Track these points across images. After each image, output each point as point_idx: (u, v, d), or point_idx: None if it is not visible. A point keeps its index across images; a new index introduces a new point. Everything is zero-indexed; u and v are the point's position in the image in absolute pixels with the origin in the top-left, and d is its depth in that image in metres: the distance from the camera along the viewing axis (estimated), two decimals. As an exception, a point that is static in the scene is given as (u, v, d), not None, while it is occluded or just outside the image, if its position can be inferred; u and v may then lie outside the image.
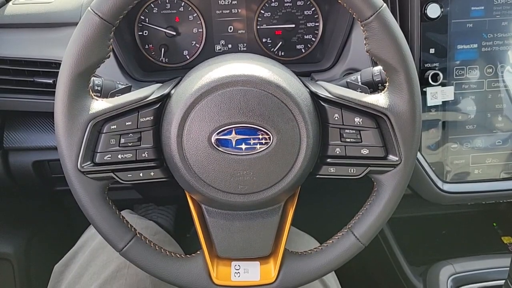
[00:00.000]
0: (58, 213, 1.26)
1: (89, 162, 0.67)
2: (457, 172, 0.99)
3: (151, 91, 0.71)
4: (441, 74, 0.92)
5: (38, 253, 1.22)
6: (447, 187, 0.98)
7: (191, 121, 0.65)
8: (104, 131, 0.67)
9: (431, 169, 0.97)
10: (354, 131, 0.69)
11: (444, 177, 0.98)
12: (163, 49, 1.03)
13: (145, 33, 1.03)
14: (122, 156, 0.67)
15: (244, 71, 0.66)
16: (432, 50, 0.94)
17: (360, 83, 0.81)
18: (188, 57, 1.05)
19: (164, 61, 1.04)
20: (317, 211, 1.31)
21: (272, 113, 0.65)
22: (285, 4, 1.03)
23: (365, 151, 0.69)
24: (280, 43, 1.04)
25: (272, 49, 1.06)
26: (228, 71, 0.66)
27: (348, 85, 0.80)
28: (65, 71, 0.65)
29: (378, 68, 0.82)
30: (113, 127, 0.67)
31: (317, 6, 1.04)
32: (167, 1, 1.01)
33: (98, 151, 0.67)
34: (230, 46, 1.06)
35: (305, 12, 1.04)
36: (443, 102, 0.95)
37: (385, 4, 0.65)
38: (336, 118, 0.69)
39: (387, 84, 0.69)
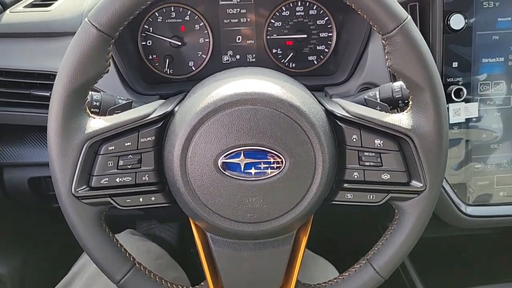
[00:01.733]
0: (55, 231, 1.20)
1: (84, 186, 0.62)
2: (480, 194, 0.93)
3: (153, 108, 0.66)
4: (464, 90, 0.86)
5: (33, 274, 1.16)
6: (470, 210, 0.91)
7: (196, 142, 0.59)
8: (101, 153, 0.62)
9: (453, 191, 0.91)
10: (374, 154, 0.63)
11: (466, 199, 0.92)
12: (167, 60, 0.97)
13: (149, 43, 0.97)
14: (120, 179, 0.62)
15: (254, 88, 0.60)
16: (455, 64, 0.88)
17: (378, 100, 0.75)
18: (193, 69, 1.00)
19: (168, 72, 0.99)
20: (332, 230, 1.24)
21: (285, 134, 0.59)
22: (296, 13, 0.98)
23: (386, 176, 0.63)
24: (291, 54, 0.99)
25: (282, 60, 1.00)
26: (236, 88, 0.60)
27: (366, 103, 0.74)
28: (59, 87, 0.60)
29: (399, 83, 0.76)
30: (111, 148, 0.62)
31: (330, 16, 0.98)
32: (172, 10, 0.96)
33: (94, 174, 0.62)
34: (238, 57, 1.00)
35: (318, 22, 0.98)
36: (466, 119, 0.89)
37: (409, 16, 0.59)
38: (354, 140, 0.63)
39: (410, 102, 0.64)
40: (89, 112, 0.63)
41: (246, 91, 0.60)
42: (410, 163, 0.63)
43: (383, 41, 0.61)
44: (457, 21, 0.84)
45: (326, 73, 0.99)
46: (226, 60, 1.01)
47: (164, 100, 0.70)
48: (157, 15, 0.96)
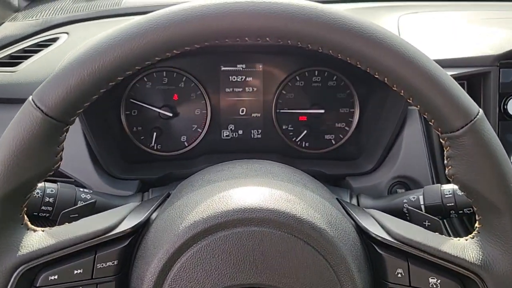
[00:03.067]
0: None
1: None
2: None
3: (120, 216, 0.48)
4: (526, 191, 0.67)
5: None
6: None
7: (175, 277, 0.43)
8: (38, 284, 0.45)
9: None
10: None
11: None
12: (155, 133, 0.82)
13: (134, 112, 0.82)
14: None
15: (260, 200, 0.44)
16: (514, 158, 0.71)
17: (423, 208, 0.57)
18: (186, 144, 0.83)
19: (155, 148, 0.83)
20: None
21: (303, 271, 0.43)
22: (312, 84, 0.83)
23: None
24: (305, 131, 0.84)
25: (294, 139, 0.84)
26: (236, 200, 0.43)
27: (409, 215, 0.56)
28: None
29: (450, 187, 0.58)
30: (53, 277, 0.45)
31: (353, 88, 0.82)
32: (164, 75, 0.81)
33: None
34: (240, 132, 0.84)
35: (338, 95, 0.83)
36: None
37: (481, 111, 0.42)
38: (400, 275, 0.47)
39: (477, 225, 0.46)
40: (28, 223, 0.45)
41: (249, 205, 0.43)
42: None
43: (442, 141, 0.44)
44: (516, 106, 0.68)
45: (347, 157, 0.82)
46: (226, 136, 0.84)
47: (137, 204, 0.52)
48: (146, 80, 0.81)
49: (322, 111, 0.82)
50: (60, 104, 0.41)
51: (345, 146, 0.84)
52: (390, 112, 0.73)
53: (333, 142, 0.84)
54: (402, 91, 0.43)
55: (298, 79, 0.82)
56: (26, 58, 0.81)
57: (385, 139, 0.73)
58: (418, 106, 0.43)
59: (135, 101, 0.81)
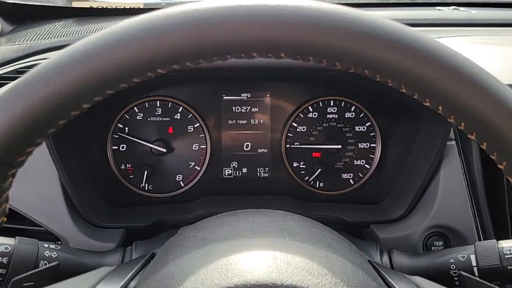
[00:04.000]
0: None
1: None
2: None
3: (89, 285, 0.36)
4: None
5: None
6: None
7: None
8: None
9: None
10: None
11: None
12: (146, 172, 0.72)
13: (122, 147, 0.72)
14: None
15: (274, 273, 0.32)
16: None
17: (476, 271, 0.45)
18: (182, 184, 0.73)
19: (146, 188, 0.72)
20: None
21: None
22: (328, 116, 0.72)
23: None
24: (319, 170, 0.73)
25: (306, 178, 0.73)
26: (241, 272, 0.32)
27: (461, 282, 0.44)
28: None
29: (511, 244, 0.46)
30: None
31: (373, 120, 0.72)
32: (158, 105, 0.71)
33: None
34: (245, 170, 0.74)
35: (357, 128, 0.72)
36: None
37: None
38: None
39: None
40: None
41: (258, 279, 0.32)
42: None
43: (508, 178, 0.32)
44: None
45: (369, 200, 0.71)
46: (228, 174, 0.74)
47: (112, 268, 0.40)
48: (137, 110, 0.72)
49: (339, 146, 0.72)
50: (1, 140, 0.30)
51: (365, 187, 0.73)
52: (423, 148, 0.62)
53: (352, 182, 0.73)
54: (463, 124, 0.32)
55: (311, 110, 0.72)
56: (1, 86, 0.72)
57: (417, 180, 0.61)
58: (485, 144, 0.32)
59: (123, 135, 0.71)
